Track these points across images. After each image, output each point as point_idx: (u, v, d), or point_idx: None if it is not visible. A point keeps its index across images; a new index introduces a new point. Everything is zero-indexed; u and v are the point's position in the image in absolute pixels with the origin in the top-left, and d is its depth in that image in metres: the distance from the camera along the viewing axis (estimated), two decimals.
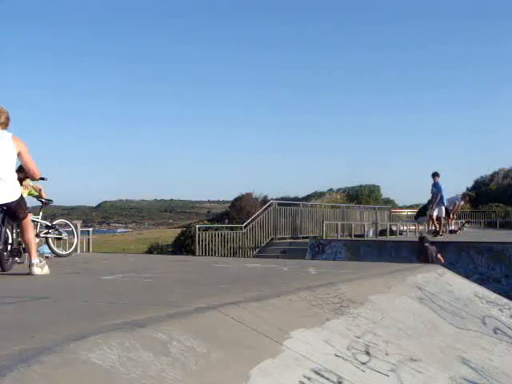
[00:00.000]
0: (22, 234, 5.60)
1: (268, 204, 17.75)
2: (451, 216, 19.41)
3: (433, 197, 16.09)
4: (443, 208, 16.34)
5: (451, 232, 19.28)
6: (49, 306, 3.53)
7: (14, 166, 5.43)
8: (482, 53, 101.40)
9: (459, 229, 20.28)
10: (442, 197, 16.13)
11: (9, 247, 5.80)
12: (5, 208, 5.34)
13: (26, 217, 5.53)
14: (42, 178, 7.01)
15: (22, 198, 5.55)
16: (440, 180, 16.15)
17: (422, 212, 17.39)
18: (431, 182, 16.22)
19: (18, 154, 5.39)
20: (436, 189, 16.10)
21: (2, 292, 4.19)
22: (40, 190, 7.60)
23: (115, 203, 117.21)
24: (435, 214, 16.39)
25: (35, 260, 5.37)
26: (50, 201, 7.80)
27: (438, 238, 15.31)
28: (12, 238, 5.99)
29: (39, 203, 7.67)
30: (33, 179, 6.23)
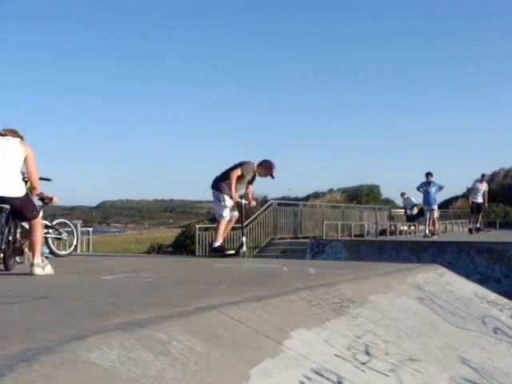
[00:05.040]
0: (29, 232, 5.63)
1: (268, 204, 17.74)
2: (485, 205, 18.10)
3: (428, 195, 16.06)
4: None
5: (478, 230, 18.16)
6: (49, 305, 3.53)
7: (18, 168, 5.45)
8: (482, 52, 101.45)
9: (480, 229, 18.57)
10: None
11: (11, 246, 5.80)
12: (8, 207, 5.35)
13: (35, 217, 5.54)
14: (48, 179, 7.01)
15: (27, 197, 5.55)
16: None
17: (422, 212, 17.39)
18: (423, 180, 16.18)
19: (25, 159, 5.46)
20: (438, 187, 16.12)
21: (2, 292, 4.19)
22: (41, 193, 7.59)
23: (115, 203, 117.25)
24: (436, 214, 16.45)
25: (37, 260, 5.37)
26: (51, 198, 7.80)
27: (435, 238, 15.36)
28: (15, 238, 5.99)
29: (39, 203, 7.67)
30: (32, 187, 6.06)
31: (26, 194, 5.54)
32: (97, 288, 4.61)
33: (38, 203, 7.66)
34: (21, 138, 5.68)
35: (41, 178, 6.93)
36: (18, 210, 5.43)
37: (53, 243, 7.87)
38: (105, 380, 2.09)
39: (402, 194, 21.18)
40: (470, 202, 18.13)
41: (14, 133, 5.67)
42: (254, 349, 2.82)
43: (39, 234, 5.61)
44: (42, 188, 7.63)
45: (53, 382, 1.96)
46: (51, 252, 7.75)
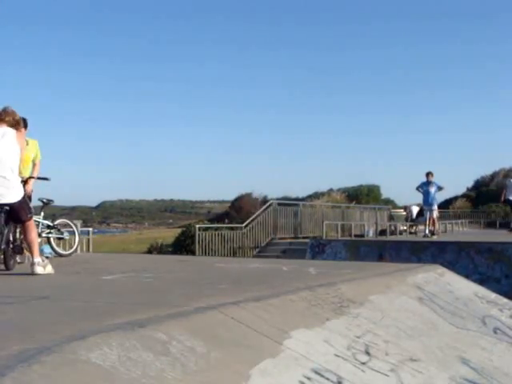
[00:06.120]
0: (24, 234, 5.58)
1: (268, 204, 17.75)
2: None
3: (428, 195, 15.99)
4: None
5: None
6: (49, 305, 3.53)
7: (17, 166, 5.41)
8: (482, 52, 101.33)
9: None
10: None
11: (11, 246, 5.79)
12: (7, 208, 5.32)
13: (29, 220, 5.46)
14: (46, 179, 7.00)
15: (24, 199, 5.50)
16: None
17: (423, 212, 17.37)
18: (423, 180, 16.07)
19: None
20: (438, 187, 16.07)
21: (3, 292, 4.19)
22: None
23: (115, 203, 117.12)
24: (436, 214, 16.43)
25: (37, 259, 5.37)
26: (50, 201, 7.82)
27: (435, 238, 15.37)
28: (14, 237, 5.98)
29: (39, 203, 7.68)
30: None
31: (23, 196, 5.51)
32: (97, 288, 4.61)
33: (39, 203, 7.68)
34: (17, 123, 5.50)
35: (39, 178, 6.93)
36: (15, 213, 5.36)
37: (54, 243, 7.87)
38: (105, 380, 2.09)
39: (405, 208, 21.57)
40: (503, 199, 17.54)
41: (11, 117, 5.45)
42: (254, 349, 2.83)
43: (34, 234, 5.57)
44: (40, 187, 7.63)
45: (53, 382, 1.96)
46: (54, 252, 7.76)
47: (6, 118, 5.45)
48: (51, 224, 7.72)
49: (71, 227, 8.53)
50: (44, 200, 7.70)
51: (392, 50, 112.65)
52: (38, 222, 7.38)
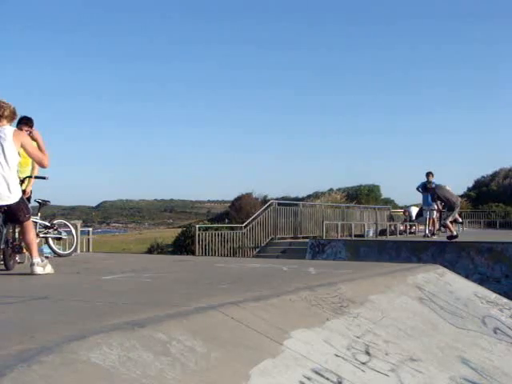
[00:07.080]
0: (23, 235, 5.57)
1: (268, 204, 17.75)
2: None
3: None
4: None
5: None
6: (49, 306, 3.53)
7: (15, 165, 5.38)
8: (482, 53, 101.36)
9: None
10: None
11: (10, 245, 5.78)
12: (6, 208, 5.31)
13: (27, 220, 5.45)
14: (44, 177, 6.98)
15: (22, 200, 5.49)
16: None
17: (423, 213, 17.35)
18: (423, 181, 16.00)
19: (22, 147, 5.27)
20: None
21: (3, 292, 4.19)
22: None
23: (115, 203, 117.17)
24: (436, 214, 16.40)
25: (37, 259, 5.36)
26: (47, 201, 7.81)
27: (435, 238, 15.35)
28: (13, 237, 5.98)
29: (36, 204, 7.68)
30: (42, 167, 5.81)
31: (21, 197, 5.48)
32: (97, 288, 4.60)
33: (35, 204, 7.67)
34: (14, 113, 5.39)
35: (36, 177, 6.92)
36: (13, 214, 5.34)
37: (53, 243, 7.87)
38: (105, 380, 2.09)
39: (404, 211, 21.71)
40: None
41: (8, 110, 5.32)
42: (254, 349, 2.82)
43: (33, 234, 5.57)
44: (40, 188, 7.63)
45: (53, 382, 1.95)
46: (53, 251, 7.77)
47: (5, 114, 5.33)
48: (48, 224, 7.73)
49: (68, 227, 8.53)
50: (40, 201, 7.70)
51: (392, 51, 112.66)
52: (36, 222, 7.37)
